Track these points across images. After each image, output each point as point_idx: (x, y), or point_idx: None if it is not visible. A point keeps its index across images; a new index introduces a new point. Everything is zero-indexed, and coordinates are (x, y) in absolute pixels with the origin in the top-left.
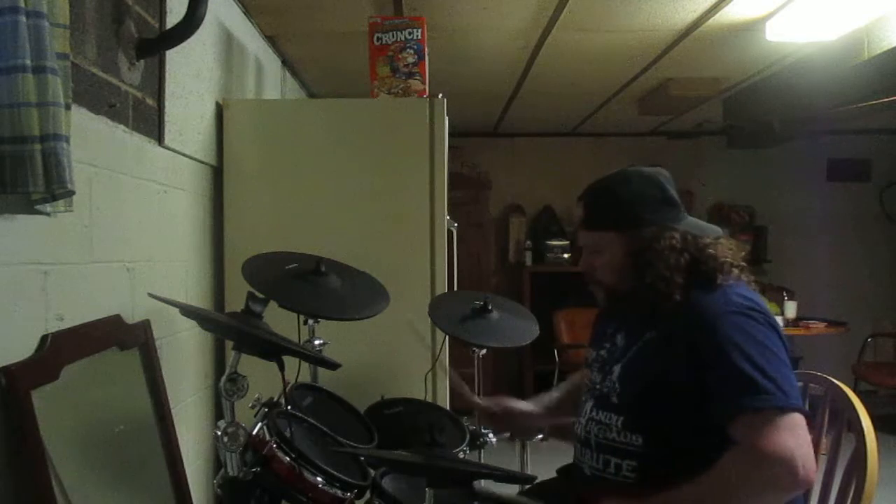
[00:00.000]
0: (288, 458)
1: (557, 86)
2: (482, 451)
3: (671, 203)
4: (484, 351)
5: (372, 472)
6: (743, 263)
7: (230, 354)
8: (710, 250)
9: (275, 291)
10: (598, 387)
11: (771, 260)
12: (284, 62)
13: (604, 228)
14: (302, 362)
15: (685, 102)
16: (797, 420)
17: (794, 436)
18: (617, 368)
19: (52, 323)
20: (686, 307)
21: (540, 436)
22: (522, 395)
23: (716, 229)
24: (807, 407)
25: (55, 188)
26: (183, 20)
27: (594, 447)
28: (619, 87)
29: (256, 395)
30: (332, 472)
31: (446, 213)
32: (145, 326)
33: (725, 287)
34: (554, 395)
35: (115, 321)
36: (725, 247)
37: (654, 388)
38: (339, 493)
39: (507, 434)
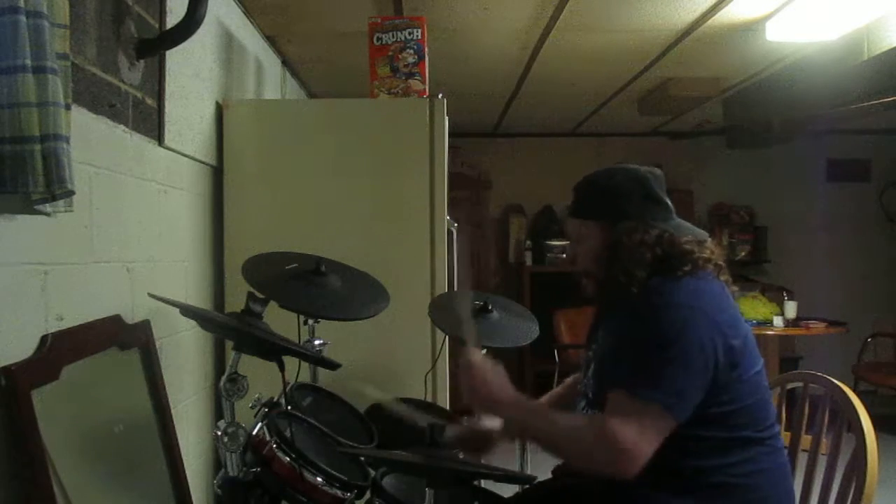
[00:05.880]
0: (288, 459)
1: (557, 86)
2: None
3: (655, 201)
4: (484, 351)
5: (372, 472)
6: (721, 263)
7: (230, 354)
8: (686, 247)
9: (275, 291)
10: (581, 386)
11: (771, 260)
12: (284, 62)
13: (586, 217)
14: (302, 362)
15: (685, 102)
16: (658, 421)
17: (643, 432)
18: (592, 366)
19: (52, 323)
20: (635, 296)
21: None
22: None
23: (702, 233)
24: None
25: (55, 188)
26: (183, 20)
27: None
28: (619, 87)
29: (256, 395)
30: (332, 472)
31: (446, 213)
32: (145, 326)
33: (683, 279)
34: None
35: (115, 321)
36: (707, 247)
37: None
38: (339, 493)
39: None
